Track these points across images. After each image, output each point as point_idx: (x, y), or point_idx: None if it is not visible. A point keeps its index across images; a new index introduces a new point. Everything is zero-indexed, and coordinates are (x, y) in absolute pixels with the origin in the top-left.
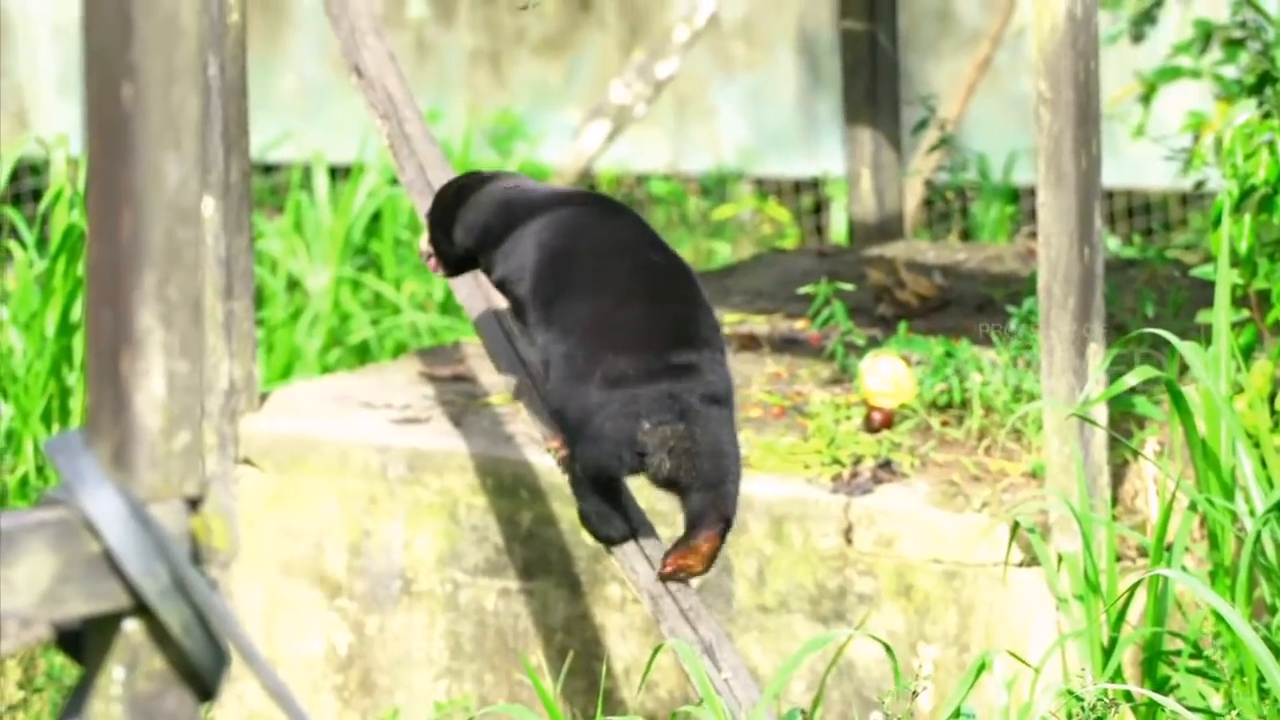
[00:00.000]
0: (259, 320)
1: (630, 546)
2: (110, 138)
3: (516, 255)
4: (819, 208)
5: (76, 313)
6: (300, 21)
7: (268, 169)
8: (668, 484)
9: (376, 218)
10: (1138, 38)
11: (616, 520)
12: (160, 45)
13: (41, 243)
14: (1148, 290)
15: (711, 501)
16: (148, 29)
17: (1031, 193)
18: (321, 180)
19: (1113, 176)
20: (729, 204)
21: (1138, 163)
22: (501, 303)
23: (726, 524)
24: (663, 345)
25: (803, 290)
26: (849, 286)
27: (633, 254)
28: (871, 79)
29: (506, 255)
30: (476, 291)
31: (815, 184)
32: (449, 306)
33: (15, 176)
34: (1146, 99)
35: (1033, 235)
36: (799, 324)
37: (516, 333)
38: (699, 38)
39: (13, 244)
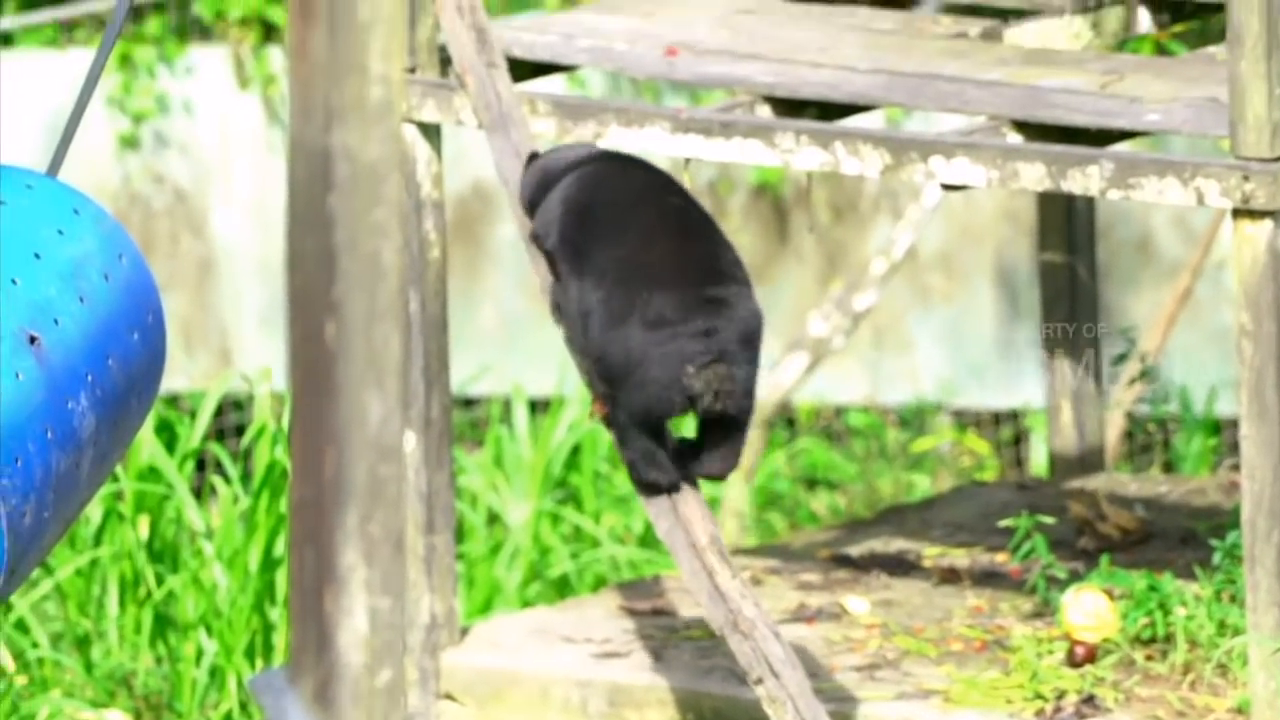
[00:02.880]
0: (459, 554)
1: None
2: (313, 376)
3: (545, 212)
4: (1019, 440)
5: (279, 548)
6: (499, 255)
7: (468, 402)
8: (706, 414)
9: (576, 451)
10: None
11: (663, 465)
12: (363, 283)
13: (245, 478)
14: None
15: (731, 444)
16: (351, 267)
17: (1234, 425)
18: (521, 413)
19: None
20: (928, 436)
21: None
22: None
23: (735, 467)
24: (695, 281)
25: (1003, 523)
26: (1050, 520)
27: (653, 199)
28: (1071, 311)
29: (539, 215)
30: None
31: (1015, 416)
32: (648, 540)
33: (219, 412)
34: None
35: (1235, 468)
36: (1000, 557)
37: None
38: (897, 270)
39: (217, 479)
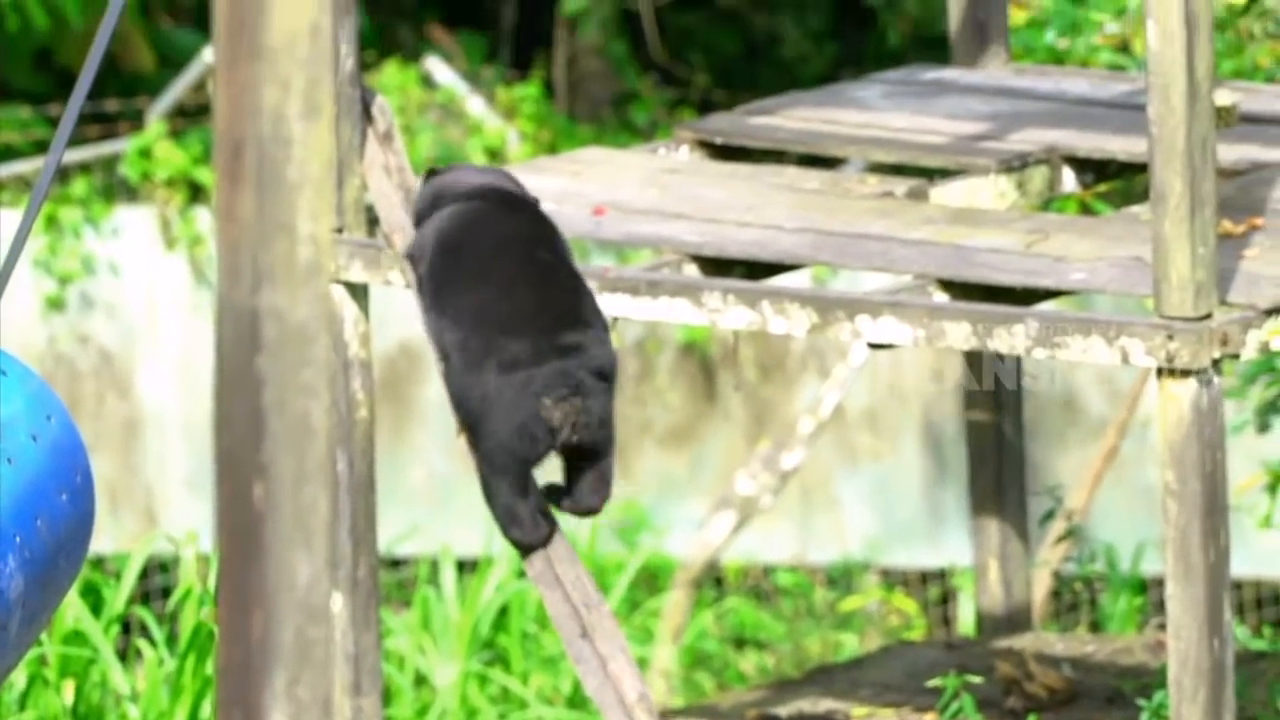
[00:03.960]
0: (386, 717)
1: None
2: (241, 538)
3: (421, 235)
4: (946, 599)
5: (205, 711)
6: (426, 415)
7: (395, 563)
8: (565, 451)
9: (504, 611)
10: (1263, 427)
11: (527, 522)
12: (292, 445)
13: (171, 641)
14: (1279, 683)
15: (599, 474)
16: (280, 429)
17: (1160, 584)
18: (449, 574)
19: (1241, 567)
20: (855, 595)
21: (1266, 553)
22: None
23: (607, 498)
24: (551, 327)
25: (931, 683)
26: (977, 679)
27: (519, 248)
28: (998, 469)
29: (418, 235)
30: None
31: (942, 575)
32: (576, 700)
33: (145, 574)
34: (1273, 489)
35: (1162, 627)
36: (928, 717)
37: None
38: (824, 429)
39: (143, 643)
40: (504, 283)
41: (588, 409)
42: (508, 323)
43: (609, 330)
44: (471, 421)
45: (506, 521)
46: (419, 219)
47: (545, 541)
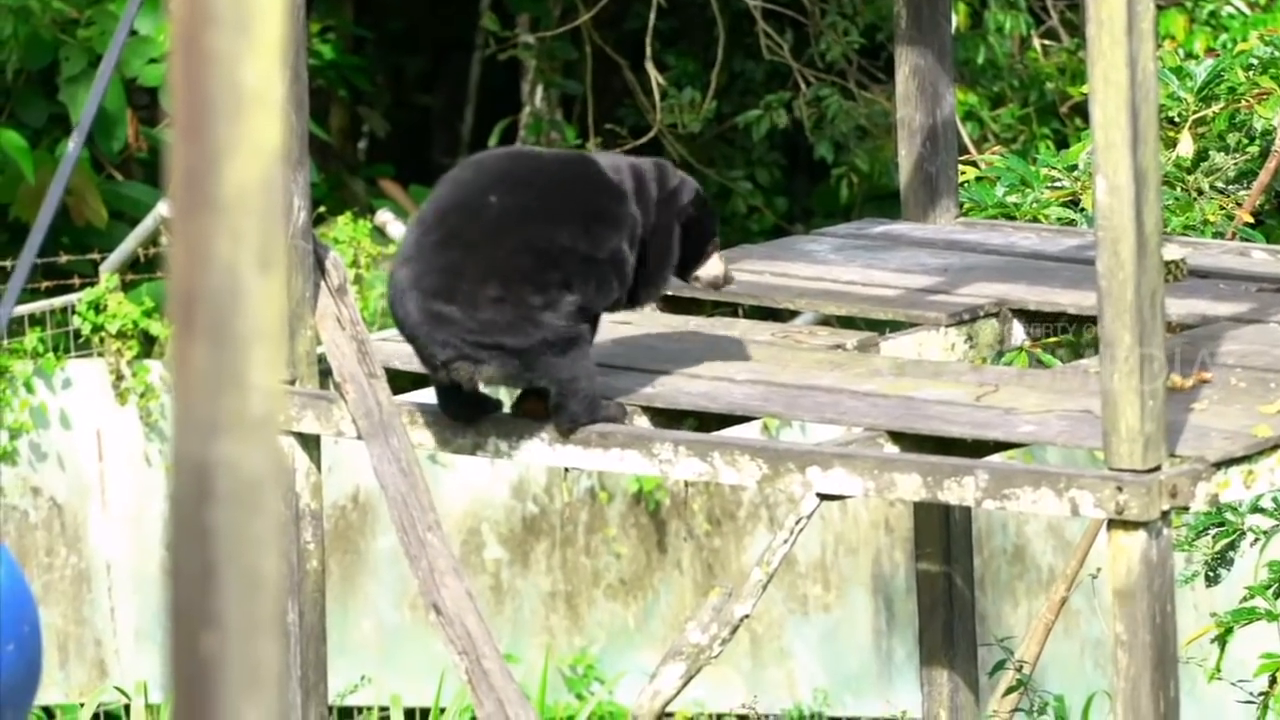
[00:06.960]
0: None
1: None
2: (191, 688)
3: None
4: None
5: None
6: (377, 566)
7: (345, 713)
8: None
9: None
10: (1212, 580)
11: (440, 398)
12: (243, 595)
13: None
14: None
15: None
16: (231, 579)
17: None
18: None
19: (1191, 719)
20: None
21: (1215, 705)
22: None
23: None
24: (429, 291)
25: None
26: None
27: (476, 194)
28: (948, 620)
29: None
30: None
31: None
32: None
33: None
34: (1222, 641)
35: None
36: None
37: None
38: (774, 579)
39: None
40: (428, 227)
41: (477, 374)
42: (402, 260)
43: (506, 301)
44: None
45: (442, 405)
46: None
47: (455, 419)
